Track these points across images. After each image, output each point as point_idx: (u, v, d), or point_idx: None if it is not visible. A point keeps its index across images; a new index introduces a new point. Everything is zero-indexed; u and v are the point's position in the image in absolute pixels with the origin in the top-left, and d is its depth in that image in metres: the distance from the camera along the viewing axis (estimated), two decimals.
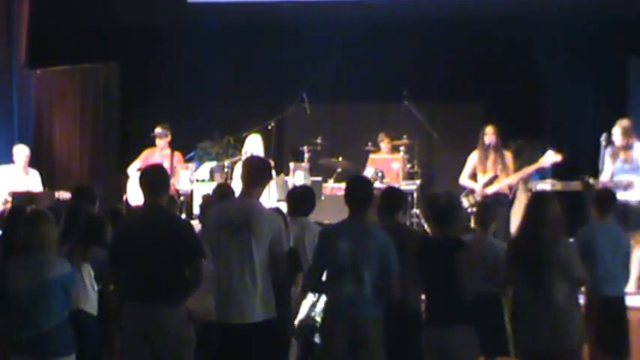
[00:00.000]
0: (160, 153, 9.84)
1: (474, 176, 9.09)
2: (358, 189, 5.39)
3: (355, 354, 5.11)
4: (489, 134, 8.97)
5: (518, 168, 9.13)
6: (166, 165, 9.37)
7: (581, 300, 5.79)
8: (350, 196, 5.34)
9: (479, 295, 5.37)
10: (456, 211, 5.47)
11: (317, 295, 5.71)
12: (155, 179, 5.21)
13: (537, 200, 5.42)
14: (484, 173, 8.98)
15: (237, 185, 7.39)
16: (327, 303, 5.35)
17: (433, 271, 5.21)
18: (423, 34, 11.08)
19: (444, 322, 5.13)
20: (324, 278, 5.31)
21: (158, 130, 9.87)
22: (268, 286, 5.08)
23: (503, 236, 8.65)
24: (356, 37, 11.05)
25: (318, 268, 5.30)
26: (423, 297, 5.50)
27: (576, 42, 10.80)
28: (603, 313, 6.16)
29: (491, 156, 8.96)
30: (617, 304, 6.26)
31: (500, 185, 8.89)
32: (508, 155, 9.08)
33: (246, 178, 5.26)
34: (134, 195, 9.44)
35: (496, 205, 8.84)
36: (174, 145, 9.88)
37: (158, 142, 9.89)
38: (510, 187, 9.03)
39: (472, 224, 6.63)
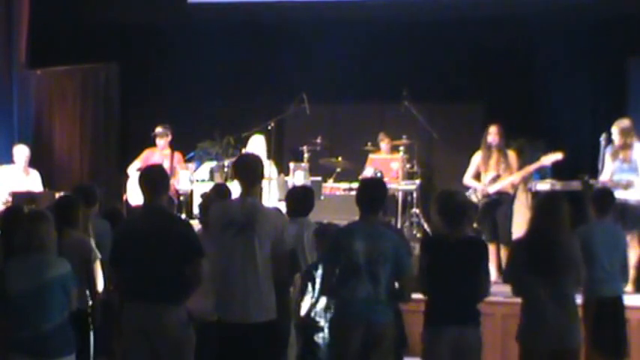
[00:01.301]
0: (160, 153, 9.84)
1: (478, 176, 9.09)
2: (371, 190, 5.41)
3: (368, 355, 5.11)
4: (492, 134, 8.96)
5: (519, 168, 9.13)
6: (166, 165, 9.37)
7: (579, 300, 5.78)
8: (363, 197, 5.34)
9: None
10: (472, 211, 5.48)
11: (316, 295, 5.71)
12: (154, 179, 5.21)
13: (549, 201, 5.41)
14: (487, 173, 8.98)
15: (237, 185, 7.38)
16: (340, 303, 5.29)
17: (449, 271, 5.17)
18: (422, 34, 11.09)
19: (458, 322, 5.12)
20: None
21: (159, 129, 9.86)
22: (270, 287, 5.09)
23: (506, 235, 8.67)
24: (356, 37, 11.04)
25: (331, 269, 5.27)
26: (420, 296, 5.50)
27: (576, 42, 10.80)
28: (600, 313, 6.15)
29: (495, 155, 8.96)
30: (614, 305, 6.24)
31: (503, 184, 8.89)
32: (512, 155, 9.07)
33: (243, 178, 5.24)
34: (134, 195, 9.45)
35: (499, 204, 8.85)
36: (174, 146, 9.87)
37: (159, 141, 9.88)
38: (514, 186, 9.01)
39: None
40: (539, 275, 5.17)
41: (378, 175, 9.89)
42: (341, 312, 5.27)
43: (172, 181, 9.39)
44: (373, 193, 5.37)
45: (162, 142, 9.86)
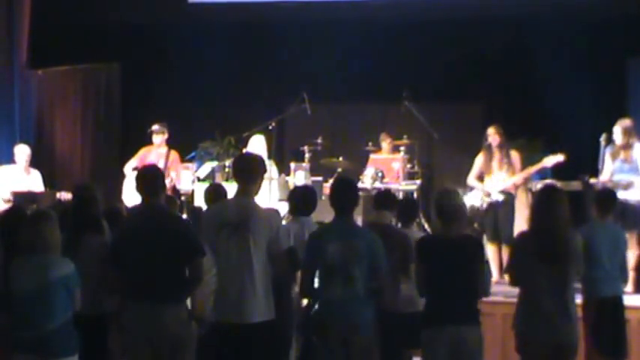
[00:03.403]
0: (156, 151, 9.73)
1: (481, 177, 9.09)
2: (344, 191, 5.42)
3: (349, 355, 5.13)
4: (492, 135, 8.97)
5: (522, 167, 9.12)
6: (162, 164, 9.34)
7: (578, 300, 5.79)
8: (336, 198, 5.37)
9: None
10: (465, 209, 5.48)
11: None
12: (151, 180, 5.24)
13: (549, 195, 5.41)
14: (490, 174, 8.98)
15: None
16: (319, 305, 5.34)
17: (445, 271, 5.16)
18: (422, 34, 11.10)
19: (456, 322, 5.11)
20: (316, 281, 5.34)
21: (155, 127, 9.73)
22: (267, 287, 5.07)
23: (507, 235, 8.67)
24: (356, 37, 11.06)
25: (308, 271, 5.30)
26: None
27: (576, 42, 10.81)
28: (600, 313, 6.15)
29: (497, 156, 8.96)
30: (614, 305, 6.25)
31: (506, 184, 8.89)
32: (515, 154, 9.06)
33: (240, 177, 5.25)
34: (129, 194, 9.43)
35: (501, 205, 8.85)
36: (175, 145, 9.86)
37: (155, 138, 9.73)
38: (516, 186, 9.01)
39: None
40: (543, 263, 5.16)
41: (379, 174, 9.91)
42: (319, 313, 5.31)
43: (171, 181, 9.39)
44: (343, 193, 5.39)
45: (158, 139, 9.75)
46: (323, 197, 9.37)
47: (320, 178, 9.86)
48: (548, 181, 8.84)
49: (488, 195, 8.85)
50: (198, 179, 9.77)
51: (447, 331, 5.11)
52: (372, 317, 5.21)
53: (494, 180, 8.88)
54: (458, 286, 5.13)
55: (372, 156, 10.66)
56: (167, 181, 9.30)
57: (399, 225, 6.65)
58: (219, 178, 9.70)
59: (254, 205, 5.19)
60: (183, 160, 10.09)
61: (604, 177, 8.23)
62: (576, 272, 5.34)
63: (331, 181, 10.25)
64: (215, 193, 6.52)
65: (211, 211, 5.43)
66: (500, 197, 8.80)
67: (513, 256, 5.45)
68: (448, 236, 5.23)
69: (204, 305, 5.40)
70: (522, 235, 5.49)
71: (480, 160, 9.07)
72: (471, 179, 9.08)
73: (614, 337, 6.20)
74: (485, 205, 8.82)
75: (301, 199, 6.38)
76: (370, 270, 5.16)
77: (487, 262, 6.44)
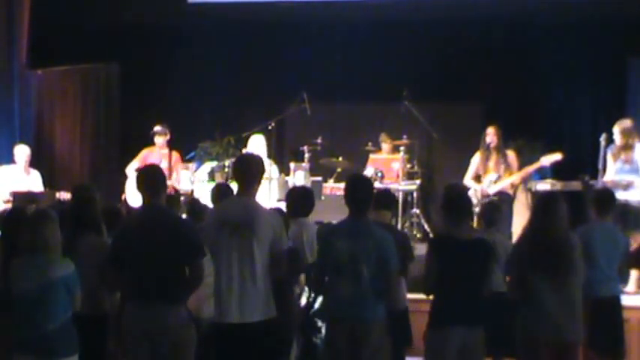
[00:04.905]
0: (158, 152, 9.81)
1: (477, 177, 9.10)
2: (359, 189, 5.37)
3: (358, 354, 5.11)
4: (490, 135, 8.99)
5: (519, 168, 9.14)
6: (165, 164, 9.37)
7: None
8: (350, 196, 5.33)
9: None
10: (472, 206, 5.48)
11: (312, 295, 5.73)
12: (152, 179, 5.23)
13: (548, 200, 5.43)
14: (486, 174, 8.99)
15: None
16: (327, 303, 5.34)
17: (457, 272, 5.15)
18: (423, 34, 11.09)
19: (465, 323, 5.10)
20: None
21: (157, 128, 9.81)
22: (268, 286, 5.08)
23: (506, 235, 8.68)
24: (356, 37, 11.06)
25: (321, 269, 5.30)
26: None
27: (576, 42, 10.81)
28: (597, 314, 6.14)
29: (493, 156, 8.97)
30: (612, 305, 6.25)
31: (503, 184, 8.90)
32: (511, 155, 9.08)
33: (241, 177, 5.24)
34: (133, 195, 9.44)
35: (499, 204, 8.86)
36: (174, 145, 9.88)
37: (157, 139, 9.82)
38: (513, 186, 9.02)
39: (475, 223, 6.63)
40: (542, 274, 5.17)
41: (379, 174, 9.91)
42: (327, 311, 5.31)
43: (172, 181, 9.40)
44: (357, 191, 5.33)
45: (160, 140, 9.83)
46: (322, 197, 9.38)
47: (320, 178, 9.86)
48: (549, 181, 8.85)
49: (486, 195, 8.86)
50: (208, 178, 9.78)
51: (455, 331, 5.11)
52: (382, 316, 5.18)
53: (491, 180, 8.89)
54: (469, 288, 5.12)
55: (372, 156, 10.66)
56: (175, 182, 9.40)
57: None
58: (218, 178, 9.70)
59: (257, 205, 5.19)
60: (183, 160, 10.11)
61: (608, 177, 8.22)
62: (579, 279, 5.35)
63: (331, 181, 10.29)
64: (221, 192, 6.52)
65: (214, 210, 5.42)
66: (497, 198, 8.81)
67: (512, 262, 5.45)
68: (461, 237, 5.20)
69: (200, 305, 5.39)
70: (521, 242, 5.49)
71: (476, 159, 9.08)
72: (468, 179, 9.09)
73: (612, 338, 6.20)
74: (482, 206, 8.81)
75: (299, 200, 6.37)
76: (379, 269, 5.13)
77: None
